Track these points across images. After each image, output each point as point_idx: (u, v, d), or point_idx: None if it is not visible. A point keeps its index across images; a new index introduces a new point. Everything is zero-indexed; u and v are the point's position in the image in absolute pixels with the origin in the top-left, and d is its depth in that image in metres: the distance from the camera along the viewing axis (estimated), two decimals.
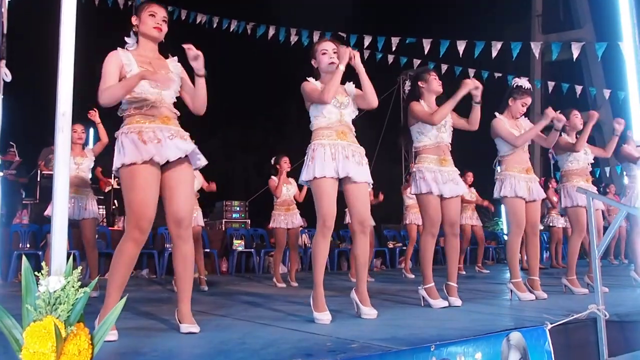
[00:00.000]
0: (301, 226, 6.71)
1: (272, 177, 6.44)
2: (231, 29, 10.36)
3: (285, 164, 6.40)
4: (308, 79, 3.43)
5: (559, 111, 4.86)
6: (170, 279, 5.72)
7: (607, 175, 12.68)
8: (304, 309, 3.42)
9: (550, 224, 9.26)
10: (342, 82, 3.46)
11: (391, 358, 2.00)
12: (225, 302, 4.52)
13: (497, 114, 4.45)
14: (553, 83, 10.52)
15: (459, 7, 21.74)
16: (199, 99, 2.95)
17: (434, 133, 3.94)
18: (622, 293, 4.64)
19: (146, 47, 2.93)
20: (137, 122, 2.77)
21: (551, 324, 2.58)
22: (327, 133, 3.31)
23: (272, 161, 6.50)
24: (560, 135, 4.83)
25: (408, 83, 4.29)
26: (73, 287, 1.45)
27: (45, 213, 5.46)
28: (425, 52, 9.30)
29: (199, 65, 2.85)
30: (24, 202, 8.66)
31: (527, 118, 4.62)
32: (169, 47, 3.01)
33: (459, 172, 4.08)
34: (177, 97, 2.99)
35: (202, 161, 2.94)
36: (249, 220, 11.00)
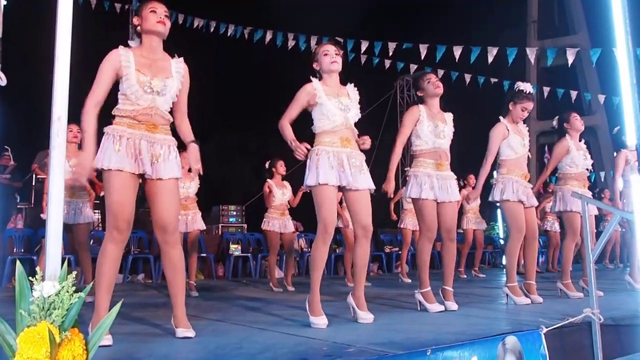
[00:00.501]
0: (295, 231, 6.69)
1: (268, 180, 6.43)
2: (228, 34, 10.37)
3: (281, 168, 6.40)
4: (312, 78, 3.40)
5: (557, 116, 4.89)
6: (166, 283, 5.69)
7: (602, 180, 12.72)
8: (301, 313, 3.42)
9: (548, 229, 9.27)
10: (343, 83, 3.47)
11: None
12: (222, 307, 4.51)
13: (501, 118, 4.43)
14: (548, 88, 10.56)
15: (456, 13, 21.84)
16: (184, 135, 3.02)
17: (432, 139, 3.92)
18: (617, 297, 4.65)
19: (151, 46, 2.87)
20: (123, 125, 2.76)
21: (546, 327, 2.59)
22: (331, 140, 3.30)
23: (267, 165, 6.49)
24: (564, 137, 4.84)
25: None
26: (67, 292, 1.44)
27: (43, 216, 5.41)
28: (422, 57, 9.34)
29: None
30: (18, 206, 8.62)
31: (524, 124, 4.62)
32: (168, 51, 3.00)
33: (460, 176, 4.09)
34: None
35: (178, 174, 2.89)
36: (246, 225, 10.98)
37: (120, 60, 2.77)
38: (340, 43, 3.46)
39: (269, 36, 10.23)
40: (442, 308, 3.82)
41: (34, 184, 8.32)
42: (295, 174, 3.39)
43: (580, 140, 4.96)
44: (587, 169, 4.96)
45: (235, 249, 9.30)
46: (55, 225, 1.51)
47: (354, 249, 3.43)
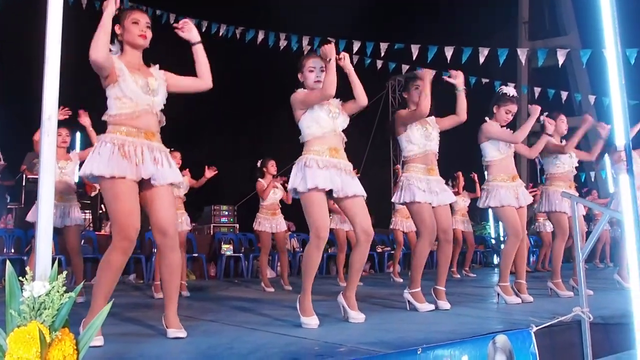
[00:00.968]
0: (287, 230, 6.70)
1: (259, 179, 6.44)
2: (220, 33, 10.35)
3: (272, 168, 6.41)
4: (297, 90, 3.41)
5: (546, 113, 4.92)
6: (157, 283, 5.68)
7: (592, 179, 12.81)
8: (292, 313, 3.42)
9: (539, 230, 9.33)
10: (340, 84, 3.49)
11: None
12: (213, 307, 4.51)
13: (487, 118, 4.47)
14: (539, 89, 10.62)
15: (447, 14, 21.91)
16: (202, 70, 2.99)
17: (423, 141, 3.96)
18: (606, 296, 4.69)
19: (132, 55, 2.90)
20: (121, 132, 2.74)
21: (536, 326, 2.61)
22: (320, 148, 3.30)
23: (259, 164, 6.50)
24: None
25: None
26: (58, 292, 1.44)
27: (28, 218, 5.34)
28: (414, 57, 9.36)
29: (190, 35, 2.95)
30: (8, 206, 8.56)
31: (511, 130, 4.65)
32: (158, 50, 3.00)
33: (449, 177, 4.12)
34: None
35: (179, 179, 2.91)
36: (238, 225, 10.97)
37: (113, 63, 2.77)
38: (332, 43, 3.45)
39: (260, 36, 10.21)
40: (432, 307, 3.84)
41: (24, 184, 8.26)
42: (287, 173, 3.39)
43: (561, 142, 5.00)
44: (574, 168, 5.01)
45: (227, 249, 9.29)
46: (46, 225, 1.50)
47: (353, 251, 3.45)
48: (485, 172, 4.56)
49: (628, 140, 2.37)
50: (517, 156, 4.70)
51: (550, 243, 9.39)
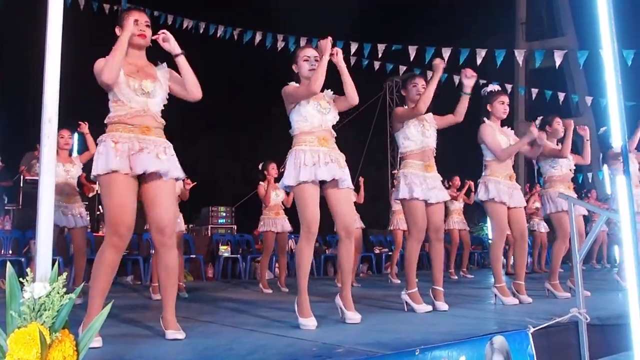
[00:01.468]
0: (289, 231, 6.72)
1: (261, 183, 6.44)
2: (218, 35, 10.36)
3: (273, 170, 6.41)
4: (289, 83, 3.44)
5: (541, 117, 4.95)
6: (155, 285, 5.68)
7: (590, 180, 12.84)
8: (290, 315, 3.42)
9: (533, 229, 9.35)
10: (332, 83, 3.49)
11: None
12: (211, 308, 4.51)
13: (485, 119, 4.49)
14: (536, 90, 10.65)
15: (445, 15, 21.95)
16: (187, 82, 2.96)
17: (420, 138, 3.97)
18: (603, 297, 4.71)
19: (133, 55, 2.92)
20: (117, 130, 2.77)
21: (534, 327, 2.62)
22: (308, 139, 3.31)
23: (260, 167, 6.51)
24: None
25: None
26: (58, 293, 1.44)
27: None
28: (411, 58, 9.38)
29: (170, 46, 2.92)
30: (6, 207, 8.55)
31: (510, 128, 4.67)
32: (157, 52, 3.01)
33: (445, 178, 4.13)
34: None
35: (177, 173, 2.89)
36: (235, 226, 10.97)
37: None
38: (330, 39, 3.46)
39: (258, 37, 10.22)
40: (429, 308, 3.85)
41: (22, 185, 8.25)
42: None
43: (557, 144, 5.02)
44: (571, 170, 5.04)
45: (224, 250, 9.28)
46: (46, 227, 1.51)
47: (338, 250, 3.44)
48: (483, 170, 4.58)
49: (625, 142, 2.38)
50: (515, 157, 4.72)
51: (543, 243, 9.44)
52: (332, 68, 3.41)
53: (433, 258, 4.05)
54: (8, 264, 1.51)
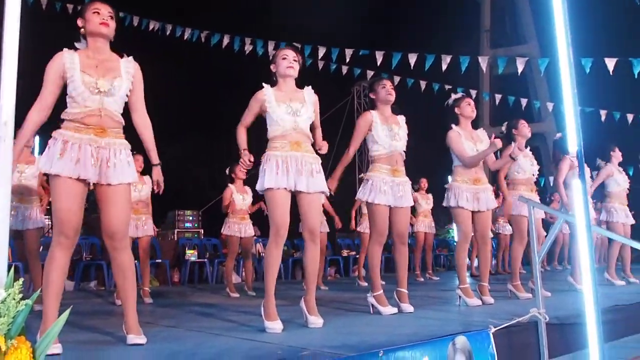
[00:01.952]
0: (254, 235, 6.68)
1: (229, 185, 6.40)
2: (185, 37, 10.26)
3: (241, 173, 6.37)
4: (264, 84, 3.43)
5: (506, 122, 5.07)
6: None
7: (552, 184, 13.16)
8: (257, 318, 3.42)
9: (498, 231, 9.53)
10: (301, 87, 3.50)
11: None
12: (177, 313, 4.46)
13: (453, 125, 4.57)
14: (500, 96, 10.88)
15: (411, 21, 22.22)
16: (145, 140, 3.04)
17: (388, 142, 3.99)
18: (563, 297, 4.83)
19: (96, 47, 2.83)
20: (70, 129, 2.71)
21: (495, 327, 2.68)
22: (280, 144, 3.31)
23: (227, 170, 6.47)
24: (511, 144, 5.01)
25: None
26: (14, 299, 1.41)
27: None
28: (378, 63, 9.47)
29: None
30: None
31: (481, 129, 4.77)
32: (121, 53, 2.96)
33: (412, 181, 4.18)
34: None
35: (128, 179, 2.83)
36: (202, 230, 10.86)
37: (64, 63, 2.72)
38: (298, 48, 3.48)
39: (226, 40, 10.16)
40: (394, 310, 3.88)
41: None
42: (255, 179, 3.38)
43: (526, 147, 5.14)
44: (534, 174, 5.17)
45: (191, 255, 9.19)
46: (1, 231, 1.47)
47: (304, 254, 3.44)
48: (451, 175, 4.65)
49: (580, 147, 2.46)
50: None
51: (507, 245, 9.62)
52: (301, 74, 3.44)
53: (397, 260, 4.08)
54: None
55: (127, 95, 2.88)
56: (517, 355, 2.87)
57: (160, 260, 8.63)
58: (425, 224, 8.67)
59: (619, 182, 6.34)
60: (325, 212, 7.35)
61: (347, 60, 9.99)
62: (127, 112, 2.94)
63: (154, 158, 3.10)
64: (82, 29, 2.85)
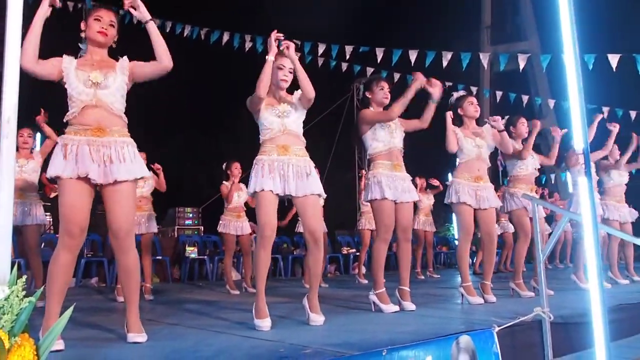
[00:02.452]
0: (251, 233, 6.68)
1: (224, 182, 6.41)
2: (185, 35, 10.23)
3: (236, 170, 6.38)
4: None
5: (507, 117, 5.05)
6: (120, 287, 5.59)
7: (552, 182, 13.15)
8: None
9: (502, 231, 9.51)
10: (291, 91, 3.49)
11: None
12: (177, 310, 4.45)
13: (455, 128, 4.56)
14: (501, 93, 10.85)
15: (412, 18, 22.19)
16: (157, 49, 2.88)
17: (387, 138, 4.00)
18: (567, 296, 4.81)
19: (94, 53, 2.88)
20: (70, 133, 2.72)
21: (498, 326, 2.66)
22: (268, 148, 3.32)
23: (224, 167, 6.47)
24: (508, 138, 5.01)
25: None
26: (17, 296, 1.40)
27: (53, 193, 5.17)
28: (379, 60, 9.44)
29: (140, 13, 2.88)
30: None
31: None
32: (123, 50, 2.95)
33: (411, 179, 4.17)
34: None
35: (135, 174, 2.79)
36: (202, 227, 10.86)
37: (62, 63, 2.76)
38: (297, 45, 3.45)
39: (225, 37, 10.14)
40: (396, 308, 3.87)
41: None
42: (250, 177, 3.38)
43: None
44: (536, 169, 5.15)
45: (191, 252, 9.19)
46: (4, 227, 1.46)
47: (306, 256, 3.45)
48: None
49: (586, 144, 2.44)
50: None
51: (512, 244, 9.59)
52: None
53: (400, 258, 4.07)
54: None
55: (124, 89, 2.86)
56: (521, 354, 2.85)
57: (160, 257, 8.62)
58: (426, 222, 8.65)
59: (613, 177, 6.30)
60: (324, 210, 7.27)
61: (347, 57, 9.97)
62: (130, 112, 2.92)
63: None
64: (84, 33, 2.88)
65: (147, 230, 5.73)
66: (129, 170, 2.76)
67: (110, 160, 2.72)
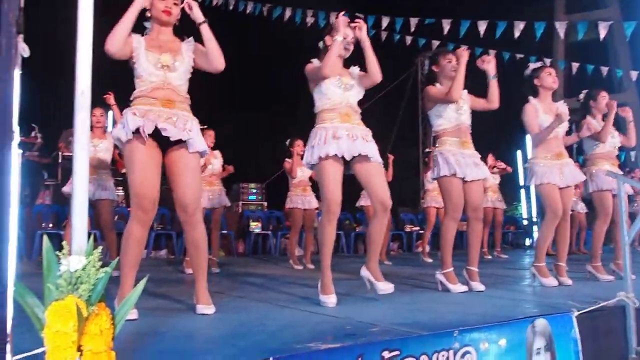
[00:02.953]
0: (317, 208, 6.70)
1: (287, 159, 6.43)
2: (247, 11, 10.25)
3: (299, 147, 6.37)
4: (312, 60, 3.38)
5: (585, 91, 4.75)
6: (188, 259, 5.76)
7: (633, 159, 12.39)
8: None
9: (572, 210, 9.09)
10: (347, 66, 3.41)
11: (413, 343, 1.96)
12: (243, 284, 4.52)
13: (530, 98, 4.33)
14: (577, 64, 10.26)
15: None
16: (210, 51, 2.88)
17: (454, 115, 3.86)
18: None
19: (159, 32, 2.90)
20: (138, 103, 2.76)
21: (578, 311, 2.52)
22: (330, 116, 3.25)
23: (287, 144, 6.49)
24: (586, 118, 4.73)
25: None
26: (94, 267, 1.42)
27: (63, 189, 5.40)
28: (445, 32, 9.12)
29: (194, 14, 2.87)
30: (46, 183, 8.76)
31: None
32: (187, 29, 2.96)
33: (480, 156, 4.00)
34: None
35: (202, 147, 2.84)
36: (266, 203, 11.01)
37: (132, 43, 2.79)
38: (361, 19, 3.36)
39: (288, 13, 10.08)
40: (465, 289, 3.76)
41: (60, 161, 8.42)
42: None
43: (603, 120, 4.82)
44: (615, 147, 4.83)
45: (255, 227, 9.36)
46: (81, 200, 1.48)
47: (371, 223, 3.36)
48: (529, 150, 4.43)
49: None
50: None
51: (581, 224, 9.16)
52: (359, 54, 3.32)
53: (470, 237, 3.93)
54: (45, 237, 1.50)
55: (190, 72, 2.91)
56: (602, 341, 2.70)
57: (225, 232, 8.82)
58: (494, 199, 8.35)
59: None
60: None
61: (412, 30, 9.70)
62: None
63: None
64: (148, 12, 2.89)
65: (220, 204, 5.86)
66: (197, 142, 2.81)
67: (180, 127, 2.75)
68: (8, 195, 1.30)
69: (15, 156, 1.33)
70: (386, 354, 1.85)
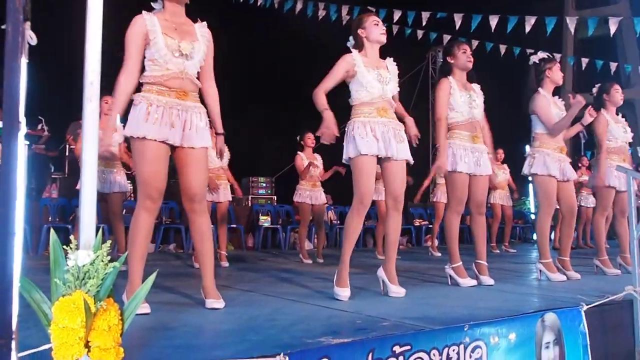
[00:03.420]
0: (326, 203, 6.67)
1: (298, 153, 6.41)
2: (258, 3, 10.24)
3: (309, 140, 6.36)
4: (352, 49, 3.35)
5: (598, 85, 4.70)
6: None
7: (639, 154, 12.28)
8: (332, 285, 3.39)
9: (580, 204, 9.04)
10: (382, 57, 3.40)
11: (424, 337, 1.96)
12: (252, 278, 4.53)
13: (540, 89, 4.28)
14: (586, 60, 10.18)
15: None
16: (210, 109, 2.97)
17: (466, 109, 3.83)
18: None
19: (172, 11, 2.80)
20: (152, 92, 2.70)
21: (587, 305, 2.51)
22: (367, 110, 3.24)
23: (298, 137, 6.48)
24: (600, 110, 4.68)
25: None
26: (102, 261, 1.42)
27: (78, 187, 5.43)
28: (457, 27, 9.07)
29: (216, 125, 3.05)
30: (53, 176, 8.79)
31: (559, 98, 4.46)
32: (196, 18, 2.94)
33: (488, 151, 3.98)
34: None
35: (207, 143, 2.84)
36: (275, 197, 11.01)
37: (146, 25, 2.70)
38: (372, 12, 3.36)
39: (299, 6, 10.05)
40: (474, 283, 3.76)
41: (67, 154, 8.44)
42: (326, 147, 3.31)
43: (617, 114, 4.77)
44: (626, 142, 4.78)
45: (264, 221, 9.36)
46: (89, 193, 1.48)
47: (386, 222, 3.38)
48: (530, 144, 4.39)
49: None
50: None
51: (589, 218, 9.10)
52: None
53: (475, 231, 3.93)
54: (52, 230, 1.50)
55: (203, 60, 2.86)
56: (610, 335, 2.69)
57: (234, 225, 8.83)
58: (502, 197, 8.37)
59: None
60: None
61: (424, 23, 9.65)
62: None
63: (219, 127, 3.07)
64: None
65: (225, 198, 5.87)
66: (204, 137, 2.81)
67: (190, 126, 2.75)
68: (15, 188, 1.28)
69: (22, 147, 1.31)
70: (397, 349, 1.86)
